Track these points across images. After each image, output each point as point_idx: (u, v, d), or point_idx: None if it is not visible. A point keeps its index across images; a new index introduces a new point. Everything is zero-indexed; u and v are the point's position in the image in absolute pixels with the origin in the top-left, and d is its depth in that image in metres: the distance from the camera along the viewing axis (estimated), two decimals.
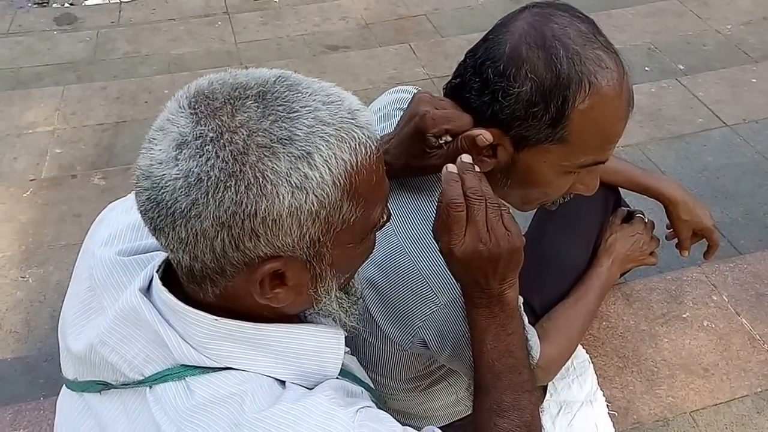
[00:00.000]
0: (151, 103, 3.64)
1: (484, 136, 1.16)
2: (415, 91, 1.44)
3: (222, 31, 4.70)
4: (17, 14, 5.16)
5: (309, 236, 0.86)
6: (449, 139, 1.20)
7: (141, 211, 0.86)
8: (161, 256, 0.99)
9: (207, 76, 0.87)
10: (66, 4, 5.43)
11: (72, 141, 3.41)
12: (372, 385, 1.19)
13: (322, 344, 1.00)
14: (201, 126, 0.81)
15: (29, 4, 5.40)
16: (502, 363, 1.15)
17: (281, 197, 0.81)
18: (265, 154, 0.80)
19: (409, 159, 1.25)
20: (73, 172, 3.16)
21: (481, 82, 1.16)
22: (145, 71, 4.23)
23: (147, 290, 0.95)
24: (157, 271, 0.96)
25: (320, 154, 0.82)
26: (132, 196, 0.88)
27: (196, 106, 0.82)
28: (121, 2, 5.37)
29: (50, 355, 2.28)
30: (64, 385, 1.07)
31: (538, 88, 1.12)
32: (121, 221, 1.09)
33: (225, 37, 4.62)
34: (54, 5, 5.42)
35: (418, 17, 4.82)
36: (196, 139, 0.80)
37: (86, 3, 5.45)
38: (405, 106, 1.29)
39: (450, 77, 1.25)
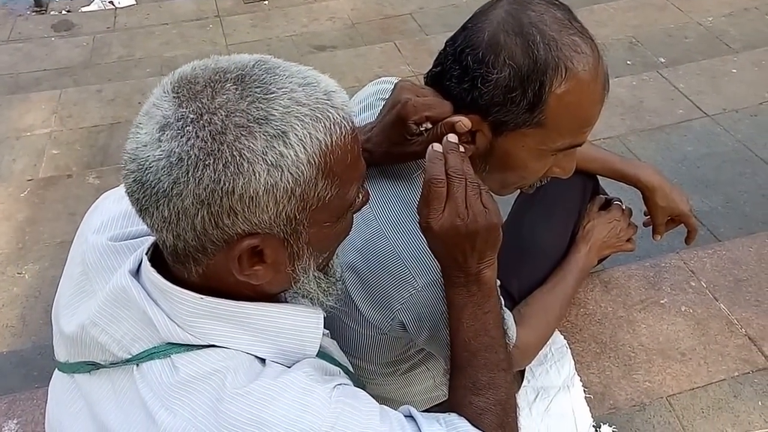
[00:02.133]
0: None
1: (463, 122, 1.17)
2: (397, 80, 1.45)
3: (213, 34, 4.72)
4: (17, 22, 5.18)
5: (285, 213, 0.87)
6: (429, 126, 1.21)
7: (128, 193, 0.87)
8: (150, 240, 1.00)
9: (191, 62, 0.88)
10: (63, 11, 5.44)
11: (68, 142, 3.42)
12: (351, 369, 1.19)
13: (300, 323, 1.00)
14: (183, 108, 0.82)
15: (28, 12, 5.41)
16: (478, 341, 1.15)
17: (257, 175, 0.82)
18: (242, 133, 0.81)
19: (390, 146, 1.26)
20: (68, 172, 3.18)
21: (460, 69, 1.17)
22: (139, 74, 4.24)
23: (136, 272, 0.97)
24: (146, 254, 0.97)
25: (295, 133, 0.83)
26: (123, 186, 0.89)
27: (179, 90, 0.84)
28: (116, 8, 5.39)
29: (44, 348, 2.29)
30: (56, 369, 1.08)
31: (516, 73, 1.12)
32: (113, 209, 1.10)
33: (216, 40, 4.64)
34: (52, 12, 5.43)
35: (403, 16, 4.85)
36: (177, 121, 0.82)
37: (83, 9, 5.46)
38: (387, 97, 1.29)
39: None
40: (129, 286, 0.94)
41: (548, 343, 1.89)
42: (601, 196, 1.99)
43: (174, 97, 0.84)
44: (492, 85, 1.14)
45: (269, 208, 0.85)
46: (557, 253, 1.87)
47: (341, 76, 3.69)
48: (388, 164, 1.31)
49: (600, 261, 2.03)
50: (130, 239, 1.05)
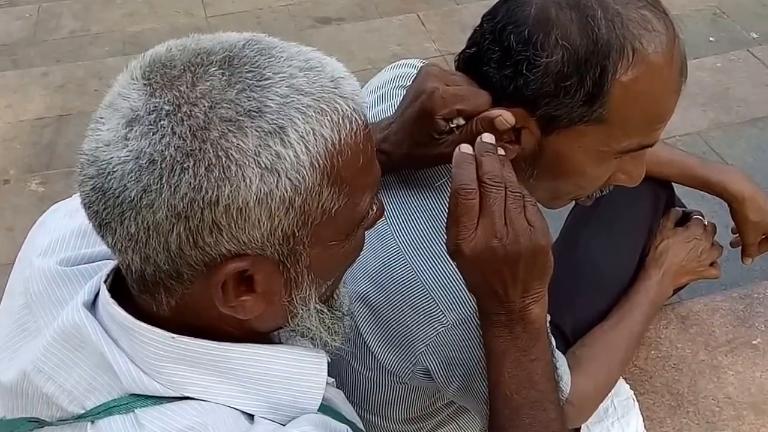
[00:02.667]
0: (102, 92, 3.50)
1: (505, 117, 1.17)
2: (422, 64, 1.45)
3: (189, 3, 4.72)
4: None
5: (282, 230, 0.86)
6: (462, 122, 1.21)
7: (85, 205, 0.87)
8: (110, 265, 1.00)
9: (166, 42, 0.89)
10: None
11: (5, 139, 3.43)
12: (361, 426, 1.19)
13: (298, 370, 1.00)
14: (156, 98, 0.82)
15: None
16: (522, 396, 1.16)
17: (248, 181, 0.82)
18: (230, 129, 0.81)
19: (412, 147, 1.26)
20: (5, 177, 3.18)
21: (501, 51, 1.17)
22: (96, 53, 4.25)
23: (92, 305, 0.96)
24: (104, 282, 0.97)
25: (295, 129, 0.83)
26: (78, 196, 0.88)
27: (151, 77, 0.84)
28: None
29: None
30: None
31: (571, 57, 1.13)
32: (64, 226, 1.10)
33: (193, 10, 4.64)
34: None
35: None
36: (149, 114, 0.81)
37: None
38: (408, 85, 1.30)
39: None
40: (83, 322, 0.93)
41: (610, 394, 1.88)
42: (678, 208, 2.00)
43: (145, 84, 0.84)
44: (541, 71, 1.14)
45: (262, 223, 0.85)
46: (622, 281, 1.87)
47: (350, 57, 3.69)
48: (410, 169, 1.32)
49: (676, 291, 2.03)
50: (85, 263, 1.05)
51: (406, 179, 1.33)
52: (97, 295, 0.97)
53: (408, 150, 1.26)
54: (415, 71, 1.30)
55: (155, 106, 0.82)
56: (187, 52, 0.86)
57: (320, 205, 0.88)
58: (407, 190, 1.32)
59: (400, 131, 1.26)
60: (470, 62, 1.24)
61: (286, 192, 0.84)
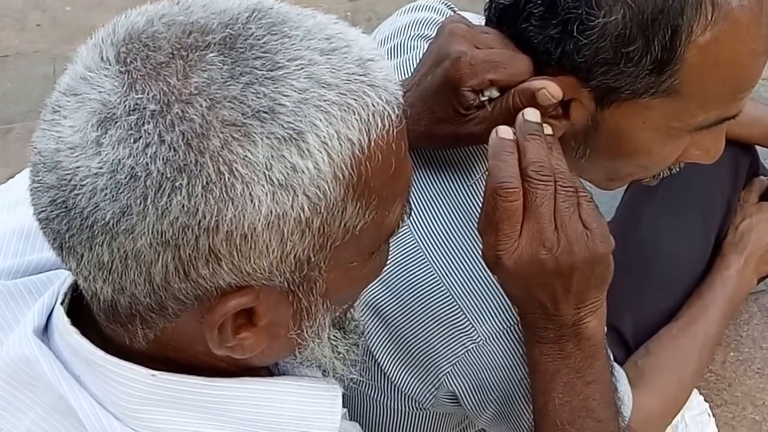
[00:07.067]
0: (46, 27, 3.63)
1: (550, 90, 1.14)
2: (447, 9, 1.44)
3: None
4: None
5: (295, 256, 0.84)
6: (496, 94, 1.19)
7: (41, 219, 0.84)
8: (64, 277, 0.98)
9: (143, 7, 0.84)
10: None
11: None
12: None
13: (308, 407, 1.00)
14: (137, 93, 0.78)
15: None
16: (576, 427, 1.17)
17: (256, 202, 0.78)
18: (234, 136, 0.77)
19: (432, 124, 1.24)
20: None
21: (545, 6, 1.14)
22: None
23: (44, 331, 0.94)
24: (61, 303, 0.95)
25: (316, 134, 0.79)
26: (21, 180, 0.87)
27: (129, 60, 0.79)
28: None
29: None
30: None
31: (634, 16, 1.10)
32: (3, 223, 1.08)
33: None
34: None
35: None
36: (128, 114, 0.77)
37: None
38: (431, 34, 1.28)
39: None
40: (35, 355, 0.92)
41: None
42: (763, 178, 2.00)
43: (121, 71, 0.79)
44: (596, 34, 1.11)
45: (271, 250, 0.82)
46: (694, 271, 1.87)
47: None
48: (431, 148, 1.31)
49: (761, 279, 2.02)
50: (32, 273, 1.03)
51: (426, 159, 1.32)
52: (49, 316, 0.95)
53: (427, 127, 1.23)
54: (438, 17, 1.28)
55: (137, 104, 0.77)
56: (176, 29, 0.81)
57: (343, 223, 0.85)
58: (427, 171, 1.31)
59: (418, 104, 1.23)
60: (506, 16, 1.20)
61: (303, 212, 0.81)
